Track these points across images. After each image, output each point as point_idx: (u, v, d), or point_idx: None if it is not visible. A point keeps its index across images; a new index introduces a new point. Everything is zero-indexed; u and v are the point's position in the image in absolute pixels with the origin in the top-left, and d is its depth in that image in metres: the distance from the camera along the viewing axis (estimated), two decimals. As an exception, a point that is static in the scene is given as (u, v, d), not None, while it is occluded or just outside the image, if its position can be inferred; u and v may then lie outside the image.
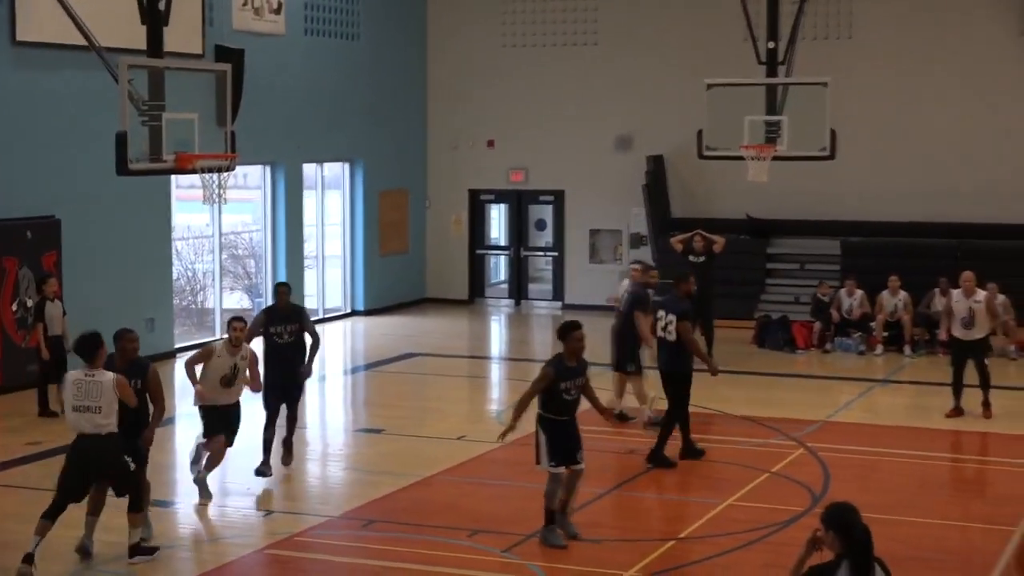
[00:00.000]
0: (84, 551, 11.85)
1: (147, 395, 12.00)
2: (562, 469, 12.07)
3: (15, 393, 18.82)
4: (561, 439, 12.08)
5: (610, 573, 11.37)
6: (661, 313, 15.45)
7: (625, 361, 16.84)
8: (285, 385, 14.57)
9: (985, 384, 17.44)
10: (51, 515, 11.49)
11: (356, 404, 19.95)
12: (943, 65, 25.73)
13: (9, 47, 19.09)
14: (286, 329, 14.52)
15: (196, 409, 13.70)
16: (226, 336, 13.72)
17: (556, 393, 12.01)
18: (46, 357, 17.78)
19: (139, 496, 11.75)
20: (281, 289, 14.98)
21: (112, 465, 11.52)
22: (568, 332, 12.22)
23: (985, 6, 25.50)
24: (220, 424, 13.45)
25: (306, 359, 14.74)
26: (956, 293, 17.73)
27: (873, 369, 21.64)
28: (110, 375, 11.44)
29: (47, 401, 17.86)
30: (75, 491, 11.53)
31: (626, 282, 18.31)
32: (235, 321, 13.63)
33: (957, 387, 17.63)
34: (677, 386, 15.24)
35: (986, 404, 17.45)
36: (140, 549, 11.68)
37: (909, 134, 25.98)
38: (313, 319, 15.54)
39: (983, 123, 25.57)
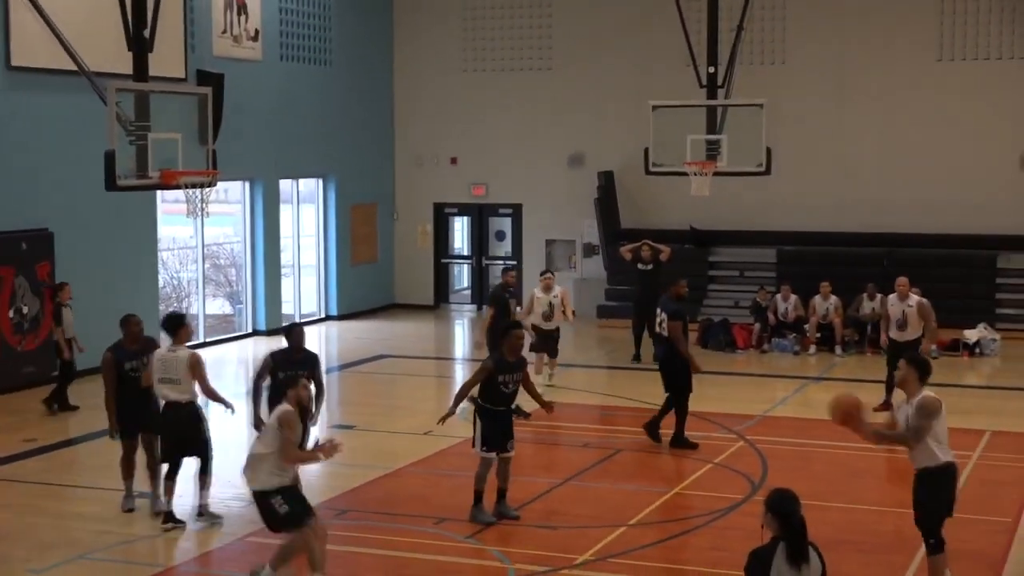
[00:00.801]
0: (158, 511, 12.39)
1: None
2: (492, 455, 12.31)
3: (11, 394, 18.69)
4: (495, 427, 12.31)
5: (567, 557, 11.37)
6: (658, 311, 15.99)
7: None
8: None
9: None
10: (170, 476, 12.37)
11: (330, 402, 19.78)
12: (869, 87, 25.92)
13: (4, 72, 18.98)
14: (300, 373, 12.17)
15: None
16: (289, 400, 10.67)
17: (495, 385, 12.26)
18: (67, 357, 17.67)
19: (209, 461, 12.39)
20: (297, 331, 13.41)
21: (191, 428, 12.26)
22: (508, 331, 12.63)
23: (906, 35, 25.69)
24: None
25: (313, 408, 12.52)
26: (891, 297, 17.61)
27: (807, 367, 21.73)
28: (186, 352, 12.29)
29: (55, 399, 17.74)
30: (172, 453, 12.37)
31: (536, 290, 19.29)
32: (305, 379, 11.42)
33: (890, 384, 17.65)
34: (673, 377, 15.49)
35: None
36: (205, 511, 12.41)
37: (838, 151, 26.15)
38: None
39: (905, 141, 25.77)
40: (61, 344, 17.69)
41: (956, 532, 12.21)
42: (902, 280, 17.62)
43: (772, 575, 6.87)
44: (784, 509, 7.01)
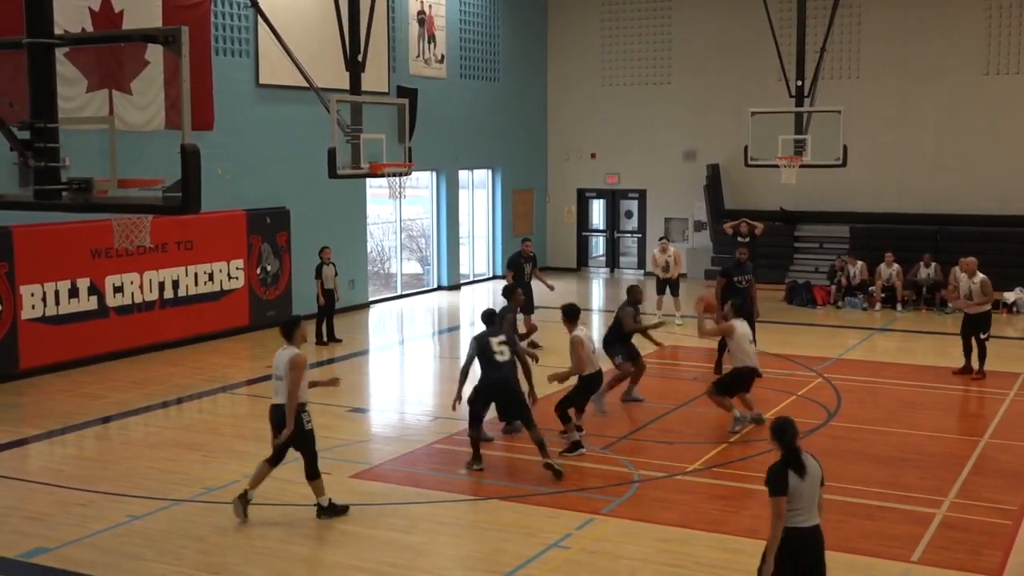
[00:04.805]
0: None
1: None
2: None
3: (259, 331, 19.18)
4: None
5: (679, 466, 11.31)
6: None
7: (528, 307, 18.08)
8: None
9: (982, 356, 15.57)
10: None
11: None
12: (927, 96, 25.00)
13: (254, 88, 19.40)
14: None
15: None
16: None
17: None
18: (322, 303, 18.05)
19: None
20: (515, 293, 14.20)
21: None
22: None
23: (959, 54, 24.66)
24: None
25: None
26: (962, 275, 15.71)
27: (873, 321, 21.15)
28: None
29: (322, 334, 18.17)
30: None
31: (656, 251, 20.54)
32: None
33: (967, 349, 15.75)
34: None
35: (980, 371, 15.57)
36: (574, 447, 11.70)
37: (900, 148, 25.31)
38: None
39: (956, 140, 24.81)
40: (318, 292, 18.10)
41: (995, 454, 11.83)
42: (970, 260, 15.73)
43: (790, 484, 6.73)
44: (779, 435, 6.88)
